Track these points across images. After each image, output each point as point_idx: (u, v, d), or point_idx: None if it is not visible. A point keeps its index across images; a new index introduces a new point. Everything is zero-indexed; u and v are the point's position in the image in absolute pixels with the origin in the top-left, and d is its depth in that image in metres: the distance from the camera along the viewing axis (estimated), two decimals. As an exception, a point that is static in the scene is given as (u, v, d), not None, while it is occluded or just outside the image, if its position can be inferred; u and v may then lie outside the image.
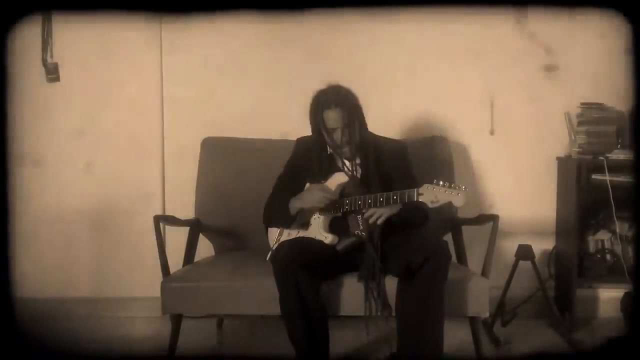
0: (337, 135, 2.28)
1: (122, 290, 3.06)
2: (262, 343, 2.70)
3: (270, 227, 2.43)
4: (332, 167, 2.35)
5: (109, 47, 3.01)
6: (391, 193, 2.14)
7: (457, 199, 2.06)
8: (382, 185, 2.25)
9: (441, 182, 2.07)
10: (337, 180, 2.32)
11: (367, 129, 2.36)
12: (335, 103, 2.26)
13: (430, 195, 2.07)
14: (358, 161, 2.34)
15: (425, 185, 2.08)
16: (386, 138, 2.45)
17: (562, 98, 2.98)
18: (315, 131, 2.33)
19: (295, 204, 2.29)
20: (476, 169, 3.07)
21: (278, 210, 2.35)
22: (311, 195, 2.27)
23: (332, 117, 2.26)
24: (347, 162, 2.35)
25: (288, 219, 2.31)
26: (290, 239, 2.30)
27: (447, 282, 2.13)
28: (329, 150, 2.36)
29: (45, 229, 3.05)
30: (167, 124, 3.08)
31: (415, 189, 2.09)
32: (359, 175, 2.32)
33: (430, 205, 2.07)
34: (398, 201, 2.13)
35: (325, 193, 2.25)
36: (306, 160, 2.38)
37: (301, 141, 2.48)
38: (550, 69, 3.02)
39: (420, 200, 2.08)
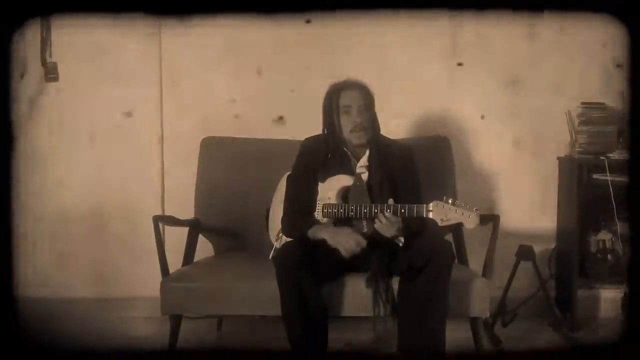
0: (352, 115, 2.25)
1: (122, 290, 3.06)
2: (261, 343, 2.70)
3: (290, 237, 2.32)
4: (341, 166, 2.29)
5: (109, 47, 3.01)
6: (399, 206, 2.10)
7: (469, 221, 2.03)
8: (387, 191, 2.22)
9: (450, 201, 2.05)
10: (341, 182, 2.28)
11: (379, 129, 2.34)
12: (352, 85, 2.29)
13: (440, 213, 2.05)
14: (366, 162, 2.30)
15: (435, 202, 2.06)
16: (394, 141, 2.42)
17: (563, 98, 2.97)
18: (328, 123, 2.29)
19: (319, 234, 2.20)
20: (477, 168, 3.07)
21: (297, 227, 2.27)
22: (342, 238, 2.17)
23: (349, 96, 2.27)
24: (356, 161, 2.30)
25: (303, 239, 2.23)
26: (293, 240, 2.27)
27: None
28: (341, 147, 2.31)
29: (45, 229, 3.05)
30: (167, 124, 3.08)
31: (425, 205, 2.07)
32: (365, 178, 2.29)
33: (440, 223, 2.05)
34: (406, 214, 2.10)
35: (359, 241, 2.16)
36: (315, 158, 2.30)
37: (309, 140, 2.41)
38: (550, 68, 3.02)
39: (429, 217, 2.06)
